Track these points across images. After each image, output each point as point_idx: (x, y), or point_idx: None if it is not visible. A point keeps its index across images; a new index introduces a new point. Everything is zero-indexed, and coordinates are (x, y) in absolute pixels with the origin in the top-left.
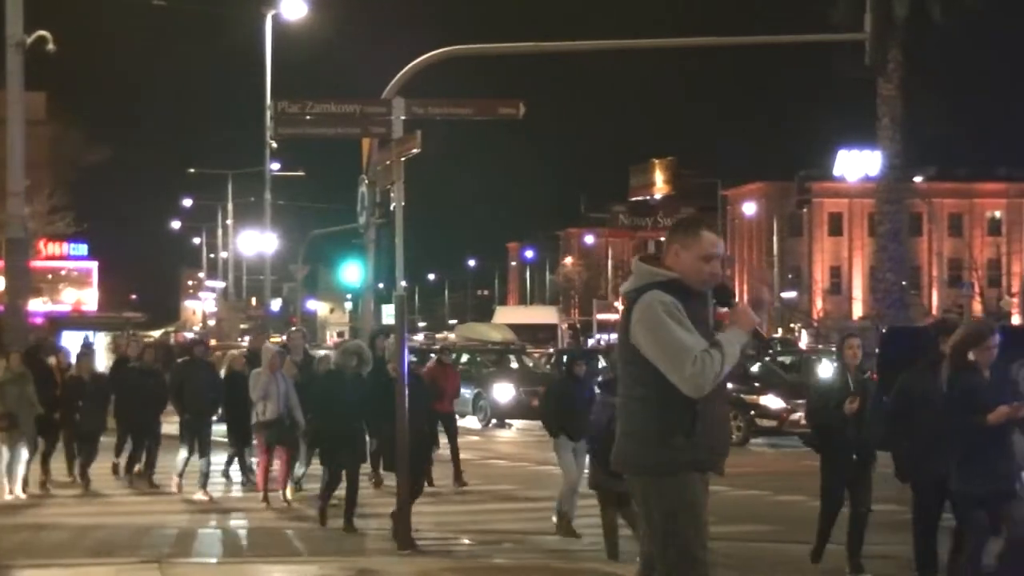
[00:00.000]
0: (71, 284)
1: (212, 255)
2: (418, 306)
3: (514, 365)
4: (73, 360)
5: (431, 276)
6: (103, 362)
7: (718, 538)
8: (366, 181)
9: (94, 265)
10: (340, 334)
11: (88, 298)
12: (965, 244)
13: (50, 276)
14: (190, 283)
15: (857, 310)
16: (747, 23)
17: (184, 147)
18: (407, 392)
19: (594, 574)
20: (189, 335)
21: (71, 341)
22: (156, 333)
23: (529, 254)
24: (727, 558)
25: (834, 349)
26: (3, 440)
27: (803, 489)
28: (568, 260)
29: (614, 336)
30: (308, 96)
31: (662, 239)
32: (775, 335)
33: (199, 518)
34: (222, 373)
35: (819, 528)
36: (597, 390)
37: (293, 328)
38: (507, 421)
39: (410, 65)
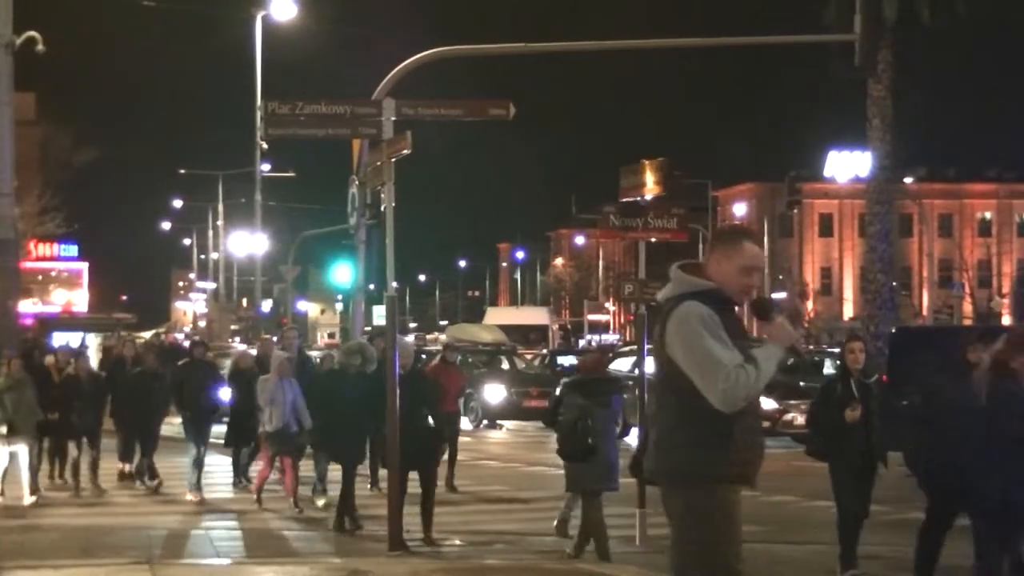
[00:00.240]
0: (61, 285)
1: (203, 256)
2: (409, 307)
3: (505, 366)
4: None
5: (422, 277)
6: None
7: None
8: (356, 182)
9: (84, 266)
10: (331, 335)
11: (78, 299)
12: (955, 245)
13: (40, 277)
14: (180, 284)
15: (848, 311)
16: (738, 25)
17: (175, 148)
18: (411, 392)
19: (586, 574)
20: (179, 336)
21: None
22: (147, 334)
23: (520, 255)
24: None
25: (828, 350)
26: (3, 444)
27: (794, 490)
28: (559, 261)
29: (605, 337)
30: (298, 97)
31: (653, 240)
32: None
33: (191, 519)
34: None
35: (840, 536)
36: (565, 391)
37: (288, 328)
38: (498, 422)
39: (400, 66)
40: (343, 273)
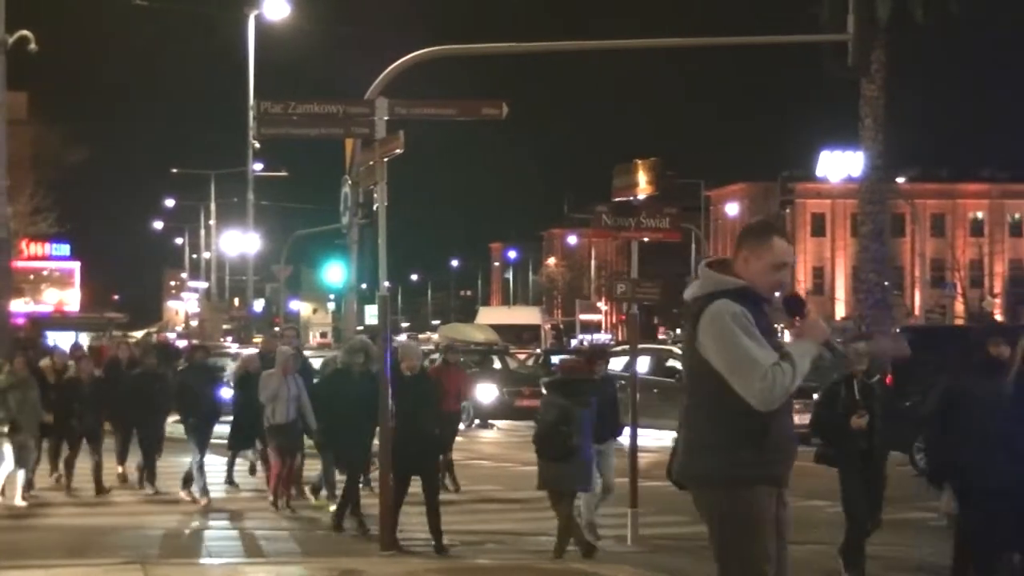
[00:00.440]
0: (53, 284)
1: (195, 255)
2: (401, 306)
3: (497, 366)
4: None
5: (414, 276)
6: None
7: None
8: (349, 181)
9: (76, 265)
10: (323, 334)
11: (70, 298)
12: (948, 245)
13: (32, 276)
14: (172, 283)
15: (840, 311)
16: (732, 25)
17: (167, 147)
18: (416, 394)
19: (580, 574)
20: (171, 335)
21: (60, 342)
22: (138, 334)
23: (512, 254)
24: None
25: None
26: (6, 443)
27: (791, 490)
28: (551, 260)
29: (597, 336)
30: (291, 96)
31: (645, 239)
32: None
33: (185, 519)
34: (229, 373)
35: (847, 543)
36: (544, 391)
37: (286, 326)
38: (490, 422)
39: (393, 65)
40: (335, 272)
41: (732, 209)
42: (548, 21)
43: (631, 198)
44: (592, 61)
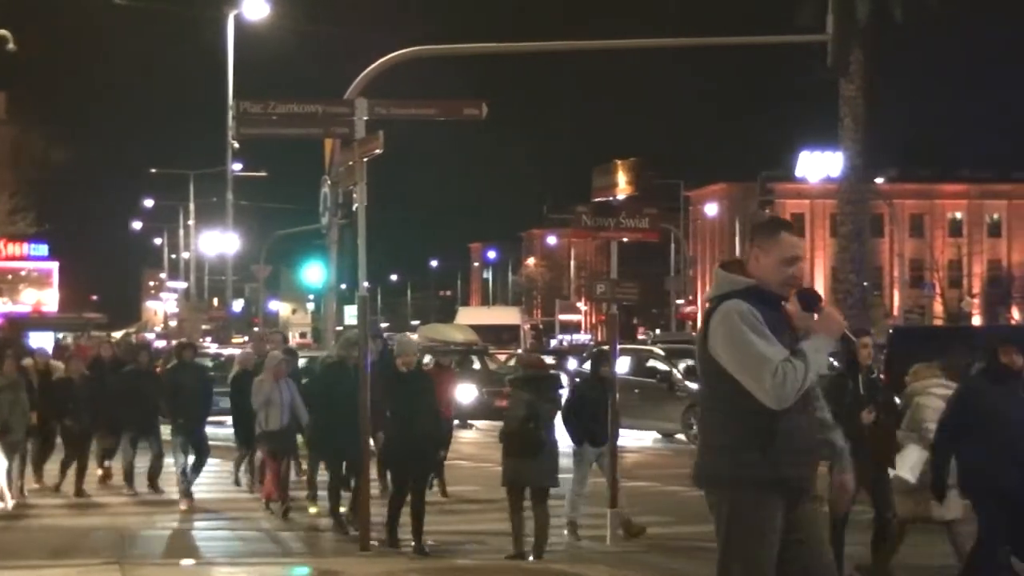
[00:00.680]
0: (31, 284)
1: (174, 256)
2: (380, 307)
3: (476, 366)
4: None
5: (394, 277)
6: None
7: (679, 538)
8: (329, 182)
9: (54, 265)
10: (302, 335)
11: (48, 299)
12: (926, 245)
13: (10, 276)
14: (151, 284)
15: None
16: (710, 25)
17: (145, 147)
18: (412, 392)
19: (558, 574)
20: (150, 335)
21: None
22: (117, 334)
23: (492, 255)
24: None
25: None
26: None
27: None
28: (531, 261)
29: (576, 337)
30: (271, 96)
31: (625, 240)
32: None
33: (168, 520)
34: (231, 373)
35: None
36: (510, 388)
37: (272, 330)
38: (469, 422)
39: (373, 65)
40: (314, 273)
41: (711, 209)
42: (529, 22)
43: (611, 198)
44: (571, 62)
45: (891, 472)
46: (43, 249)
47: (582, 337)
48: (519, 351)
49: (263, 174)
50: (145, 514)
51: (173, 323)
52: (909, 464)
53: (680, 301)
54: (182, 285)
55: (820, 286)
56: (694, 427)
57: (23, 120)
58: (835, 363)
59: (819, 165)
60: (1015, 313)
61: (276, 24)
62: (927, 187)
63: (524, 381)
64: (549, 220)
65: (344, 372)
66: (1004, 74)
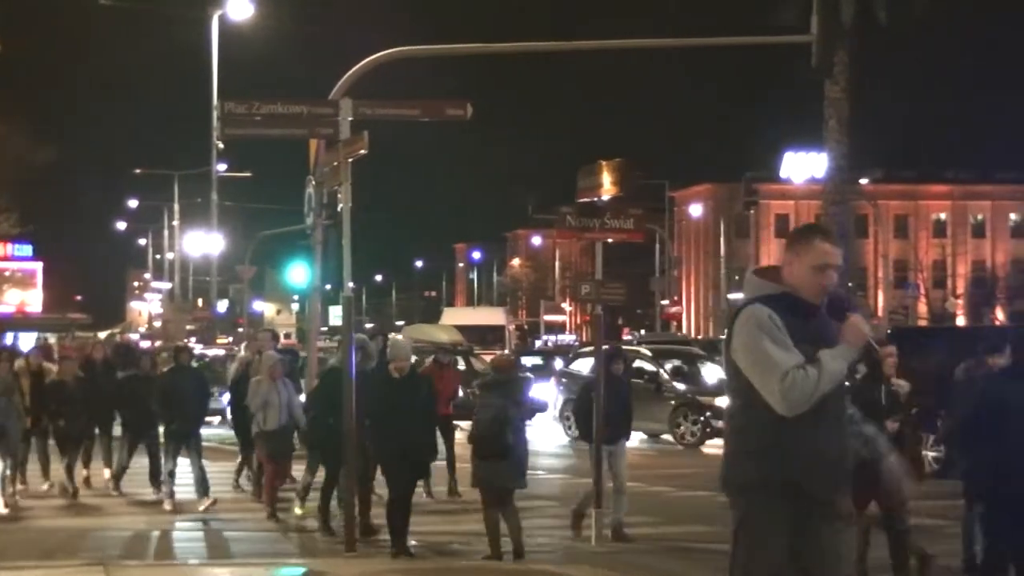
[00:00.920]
0: (15, 285)
1: (158, 256)
2: (365, 307)
3: (462, 367)
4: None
5: (378, 277)
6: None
7: (665, 538)
8: (313, 182)
9: (38, 266)
10: (287, 335)
11: (32, 299)
12: (911, 246)
13: None
14: (136, 284)
15: None
16: (695, 26)
17: (130, 148)
18: (406, 396)
19: (541, 574)
20: (135, 336)
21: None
22: (102, 334)
23: (476, 255)
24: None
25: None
26: None
27: None
28: (515, 261)
29: (561, 337)
30: (255, 97)
31: (610, 240)
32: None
33: (155, 521)
34: (229, 373)
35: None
36: (478, 391)
37: (262, 330)
38: (455, 422)
39: (358, 66)
40: (299, 273)
41: (696, 210)
42: (515, 23)
43: (596, 199)
44: (557, 62)
45: None
46: (27, 249)
47: (567, 338)
48: (506, 351)
49: (248, 175)
50: (131, 515)
51: (157, 324)
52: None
53: (665, 302)
54: (166, 286)
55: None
56: (681, 427)
57: (7, 120)
58: (860, 370)
59: (803, 166)
60: (999, 314)
61: (260, 24)
62: (911, 188)
63: (493, 384)
64: (534, 221)
65: (344, 376)
66: (988, 76)
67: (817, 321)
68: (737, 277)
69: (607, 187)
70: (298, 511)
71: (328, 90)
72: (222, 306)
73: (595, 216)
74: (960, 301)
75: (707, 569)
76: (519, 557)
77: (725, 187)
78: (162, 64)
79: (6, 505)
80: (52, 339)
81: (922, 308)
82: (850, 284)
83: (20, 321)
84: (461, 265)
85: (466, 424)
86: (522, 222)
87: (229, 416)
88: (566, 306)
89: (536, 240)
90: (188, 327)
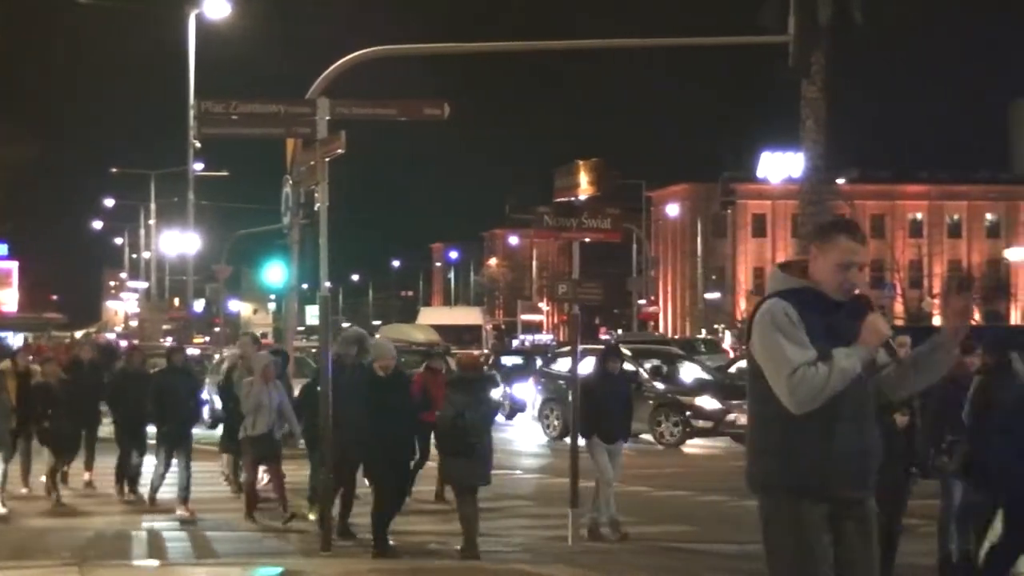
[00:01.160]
0: None
1: (134, 255)
2: (342, 307)
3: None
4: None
5: (355, 277)
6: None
7: (643, 538)
8: (290, 181)
9: (14, 265)
10: (263, 335)
11: (8, 298)
12: (887, 245)
13: None
14: (112, 284)
15: None
16: (673, 26)
17: (106, 147)
18: (385, 397)
19: (519, 574)
20: (111, 336)
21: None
22: (78, 334)
23: (453, 255)
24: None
25: None
26: None
27: (730, 490)
28: (493, 261)
29: (538, 337)
30: (232, 96)
31: (587, 240)
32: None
33: (130, 520)
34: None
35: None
36: (447, 388)
37: (243, 332)
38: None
39: (335, 65)
40: (276, 273)
41: (673, 210)
42: (494, 23)
43: (573, 199)
44: (534, 62)
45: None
46: (2, 249)
47: (544, 337)
48: (485, 351)
49: (225, 174)
50: (109, 514)
51: (134, 323)
52: None
53: (642, 301)
54: (143, 285)
55: None
56: (661, 426)
57: None
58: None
59: (780, 166)
60: (975, 314)
61: (238, 23)
62: (888, 188)
63: (458, 382)
64: (511, 220)
65: (340, 372)
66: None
67: (839, 318)
68: (714, 277)
69: (584, 187)
70: (312, 516)
71: (305, 89)
72: (198, 306)
73: (572, 216)
74: (936, 301)
75: (685, 568)
76: (470, 551)
77: (702, 187)
78: (139, 63)
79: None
80: (29, 338)
81: (899, 308)
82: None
83: None
84: (438, 265)
85: None
86: (499, 222)
87: (206, 416)
88: (543, 306)
89: (513, 240)
90: (164, 327)
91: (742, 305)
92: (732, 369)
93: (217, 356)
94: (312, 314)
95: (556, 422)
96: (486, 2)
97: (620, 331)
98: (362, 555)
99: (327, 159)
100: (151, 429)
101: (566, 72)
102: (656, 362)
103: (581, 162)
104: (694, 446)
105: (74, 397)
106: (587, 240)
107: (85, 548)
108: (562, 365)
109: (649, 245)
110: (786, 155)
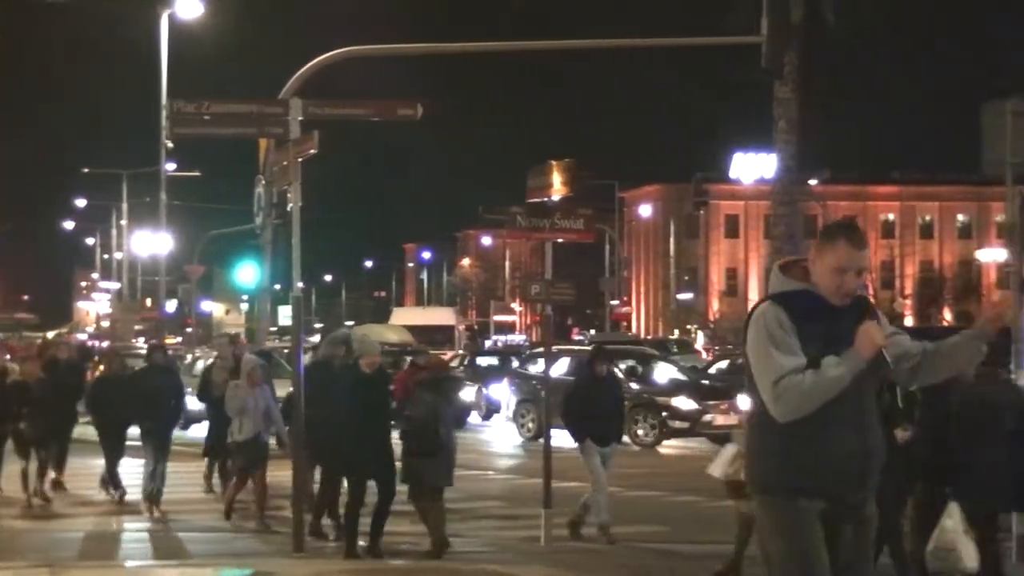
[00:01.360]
0: None
1: (106, 256)
2: (315, 307)
3: None
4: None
5: (328, 277)
6: None
7: (615, 538)
8: (263, 182)
9: None
10: (236, 335)
11: None
12: None
13: None
14: (83, 284)
15: None
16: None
17: (78, 146)
18: (367, 394)
19: (493, 575)
20: (82, 336)
21: None
22: (50, 334)
23: (426, 255)
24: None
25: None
26: None
27: (703, 491)
28: (465, 261)
29: (511, 337)
30: (205, 96)
31: (560, 240)
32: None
33: (103, 522)
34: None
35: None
36: (415, 388)
37: (219, 334)
38: None
39: (308, 65)
40: (248, 273)
41: (646, 210)
42: (467, 23)
43: (546, 199)
44: (507, 63)
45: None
46: None
47: (517, 338)
48: (458, 352)
49: (197, 174)
50: (82, 515)
51: (105, 323)
52: (723, 461)
53: (615, 302)
54: (115, 285)
55: (754, 287)
56: (637, 426)
57: None
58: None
59: (753, 166)
60: (946, 314)
61: (210, 23)
62: (859, 189)
63: (427, 382)
64: (484, 220)
65: (328, 372)
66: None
67: (837, 322)
68: (687, 277)
69: (557, 187)
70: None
71: (278, 89)
72: (171, 306)
73: (545, 216)
74: (908, 302)
75: (660, 568)
76: (440, 552)
77: (675, 187)
78: (111, 63)
79: None
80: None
81: None
82: None
83: None
84: (411, 265)
85: None
86: (472, 222)
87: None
88: (516, 306)
89: (486, 240)
90: (136, 327)
91: (715, 306)
92: (712, 370)
93: (189, 357)
94: (284, 314)
95: (531, 423)
96: (461, 2)
97: (593, 331)
98: (331, 556)
99: (300, 159)
100: (132, 431)
101: (539, 73)
102: (631, 363)
103: (554, 162)
104: (669, 447)
105: (51, 396)
106: (560, 240)
107: (54, 549)
108: (539, 366)
109: (622, 246)
110: (758, 156)
